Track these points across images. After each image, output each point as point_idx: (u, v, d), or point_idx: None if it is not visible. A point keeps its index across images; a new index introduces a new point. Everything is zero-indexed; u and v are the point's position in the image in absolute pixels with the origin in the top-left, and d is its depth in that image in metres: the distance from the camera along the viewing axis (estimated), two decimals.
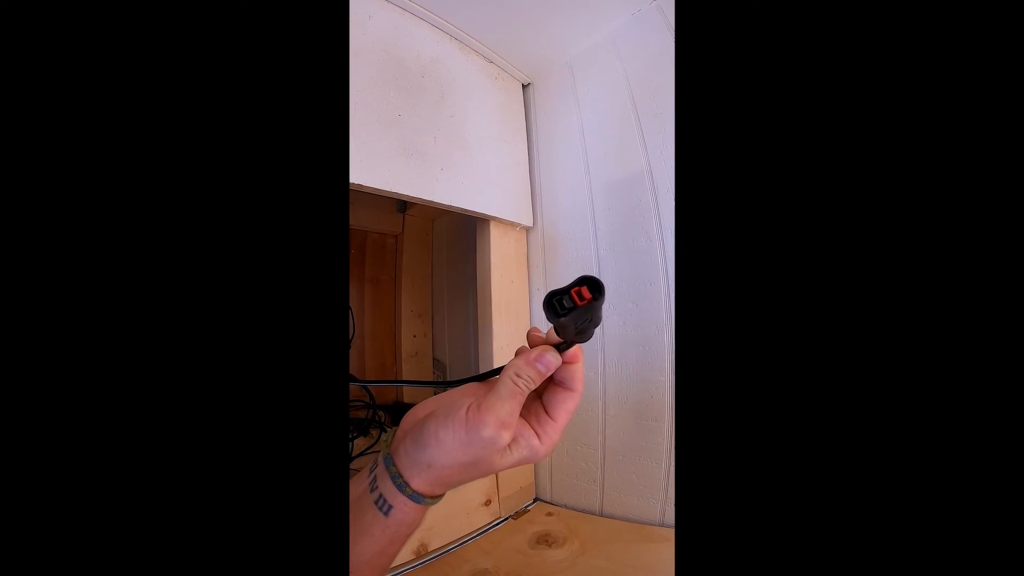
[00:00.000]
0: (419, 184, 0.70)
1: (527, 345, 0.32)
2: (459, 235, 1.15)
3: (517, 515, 0.81)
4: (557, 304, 0.28)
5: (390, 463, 0.30)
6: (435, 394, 0.35)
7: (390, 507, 0.29)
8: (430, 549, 0.69)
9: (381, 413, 1.10)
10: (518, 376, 0.30)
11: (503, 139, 0.89)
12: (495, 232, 0.86)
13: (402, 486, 0.29)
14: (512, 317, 0.87)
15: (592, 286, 0.28)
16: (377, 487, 0.30)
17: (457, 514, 0.74)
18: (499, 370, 0.32)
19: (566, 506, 0.83)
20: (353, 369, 1.14)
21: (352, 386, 1.11)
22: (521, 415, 0.31)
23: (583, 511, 0.80)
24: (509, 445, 0.30)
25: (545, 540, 0.72)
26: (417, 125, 0.73)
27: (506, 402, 0.29)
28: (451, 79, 0.81)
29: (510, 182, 0.89)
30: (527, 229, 0.93)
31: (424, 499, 0.30)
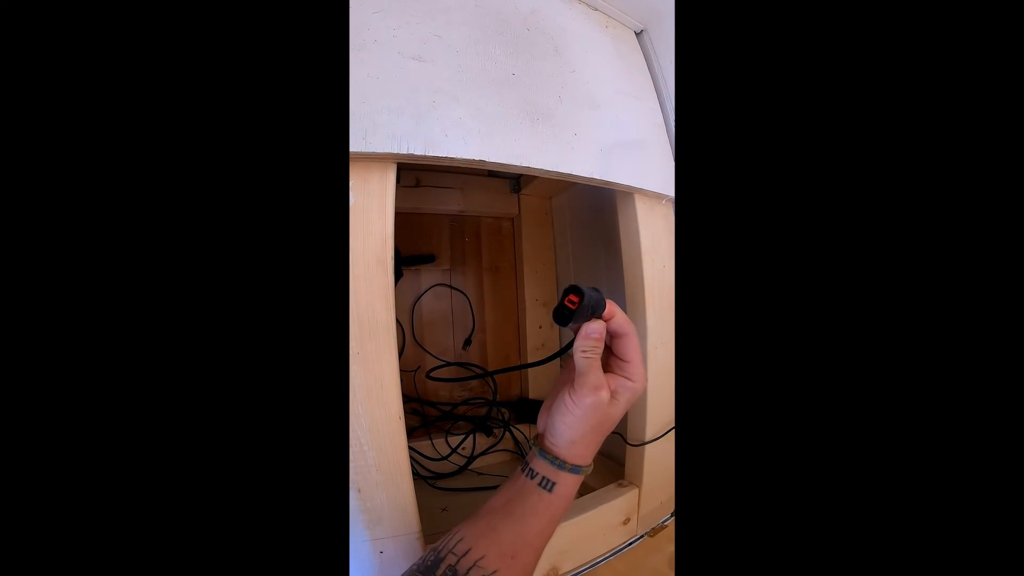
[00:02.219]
0: (553, 154, 0.58)
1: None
2: (582, 213, 1.02)
3: (654, 532, 0.72)
4: (561, 316, 0.38)
5: (544, 454, 0.38)
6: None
7: (553, 484, 0.37)
8: (560, 573, 0.60)
9: (504, 411, 1.03)
10: (583, 351, 0.38)
11: (634, 95, 0.73)
12: (641, 208, 0.70)
13: (561, 464, 0.37)
14: (666, 309, 0.72)
15: (575, 292, 0.38)
16: (537, 473, 0.38)
17: (594, 534, 0.65)
18: (567, 347, 0.41)
19: None
20: (478, 363, 1.08)
21: (474, 382, 1.05)
22: (608, 371, 0.39)
23: None
24: (613, 396, 0.38)
25: None
26: (536, 84, 0.60)
27: (586, 373, 0.37)
28: (560, 31, 0.67)
29: (650, 145, 0.73)
30: (673, 202, 0.76)
31: (581, 468, 0.38)
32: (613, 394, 0.38)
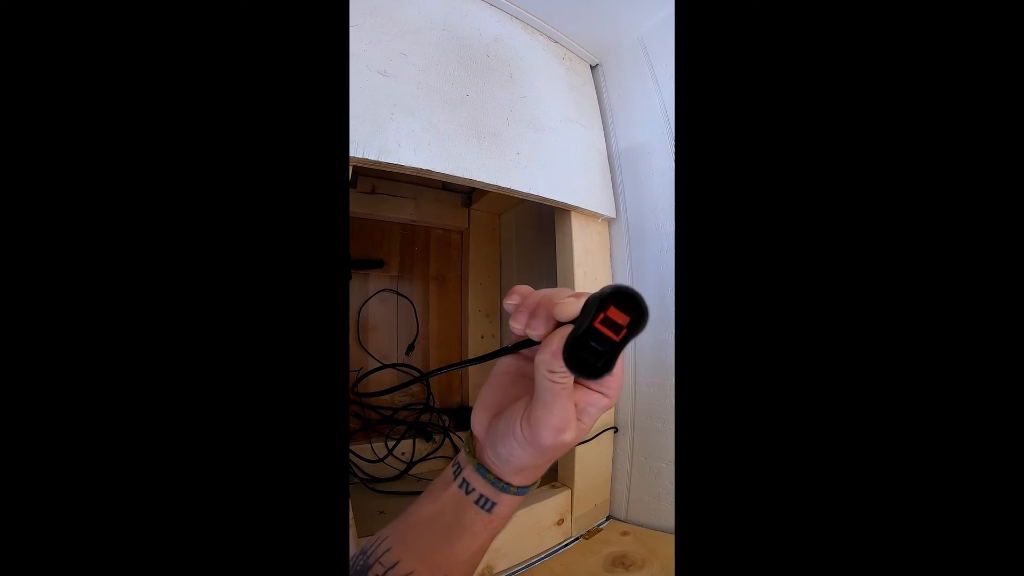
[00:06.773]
0: (494, 170, 0.63)
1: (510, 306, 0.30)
2: (528, 230, 1.07)
3: (589, 535, 0.75)
4: (590, 356, 0.24)
5: (485, 472, 0.31)
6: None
7: (493, 504, 0.31)
8: (496, 572, 0.63)
9: (445, 417, 1.05)
10: (553, 373, 0.26)
11: (579, 123, 0.80)
12: (576, 224, 0.77)
13: (506, 487, 0.31)
14: None
15: (625, 300, 0.22)
16: (475, 489, 0.32)
17: (528, 534, 0.67)
18: (528, 342, 0.29)
19: (643, 525, 0.75)
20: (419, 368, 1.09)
21: (416, 388, 1.07)
22: (581, 383, 0.29)
23: (662, 530, 0.71)
24: (579, 417, 0.28)
25: (622, 562, 0.66)
26: (487, 105, 0.66)
27: (551, 407, 0.27)
28: (518, 59, 0.74)
29: (590, 169, 0.80)
30: (609, 221, 0.84)
31: (526, 489, 0.32)
32: (580, 414, 0.28)
